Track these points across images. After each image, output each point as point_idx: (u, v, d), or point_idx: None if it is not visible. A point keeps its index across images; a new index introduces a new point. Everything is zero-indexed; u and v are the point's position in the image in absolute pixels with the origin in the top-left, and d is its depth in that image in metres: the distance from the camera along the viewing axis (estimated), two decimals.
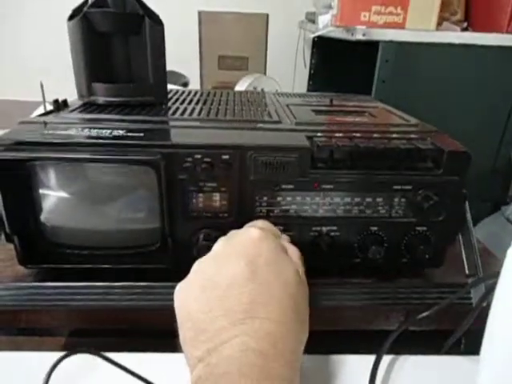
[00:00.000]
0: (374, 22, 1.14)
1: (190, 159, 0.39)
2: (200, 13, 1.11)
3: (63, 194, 0.43)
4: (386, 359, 0.40)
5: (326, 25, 1.45)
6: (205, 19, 1.10)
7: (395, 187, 0.42)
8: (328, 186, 0.42)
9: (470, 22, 1.31)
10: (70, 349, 0.36)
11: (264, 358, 0.27)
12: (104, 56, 0.51)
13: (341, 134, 0.44)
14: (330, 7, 1.49)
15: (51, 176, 0.42)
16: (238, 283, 0.30)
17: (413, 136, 0.45)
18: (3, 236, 0.42)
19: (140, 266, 0.44)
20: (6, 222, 0.40)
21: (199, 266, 0.34)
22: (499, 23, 1.24)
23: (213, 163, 0.40)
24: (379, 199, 0.43)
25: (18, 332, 0.46)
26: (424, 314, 0.40)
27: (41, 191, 0.42)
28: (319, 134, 0.44)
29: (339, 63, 1.77)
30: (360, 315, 0.45)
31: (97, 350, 0.36)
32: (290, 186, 0.41)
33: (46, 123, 0.43)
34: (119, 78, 0.53)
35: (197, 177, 0.40)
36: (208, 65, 1.16)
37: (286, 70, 1.68)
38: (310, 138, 0.43)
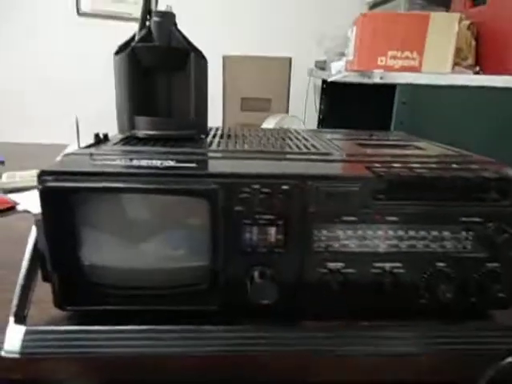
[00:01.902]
0: (391, 66, 1.17)
1: (247, 189, 0.37)
2: (224, 58, 1.14)
3: (108, 230, 0.40)
4: None
5: (338, 71, 1.50)
6: (229, 63, 1.13)
7: (462, 219, 0.39)
8: (392, 218, 0.39)
9: (481, 66, 1.34)
10: None
11: None
12: (147, 90, 0.51)
13: (399, 165, 0.42)
14: (342, 55, 1.54)
15: (97, 210, 0.39)
16: None
17: (473, 166, 0.43)
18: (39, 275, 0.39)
19: (187, 307, 0.40)
20: (48, 259, 0.37)
21: None
22: (508, 66, 1.27)
23: (271, 194, 0.37)
24: (446, 232, 0.40)
25: None
26: (510, 360, 0.36)
27: (84, 226, 0.39)
28: (377, 165, 0.42)
29: (348, 107, 1.80)
30: (423, 363, 0.41)
31: None
32: (352, 218, 0.39)
33: (92, 154, 0.41)
34: (161, 111, 0.52)
35: (253, 208, 0.38)
36: (231, 106, 1.17)
37: (301, 113, 1.72)
38: (368, 168, 0.41)
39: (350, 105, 1.79)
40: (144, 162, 0.40)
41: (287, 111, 1.20)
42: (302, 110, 1.72)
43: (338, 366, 0.40)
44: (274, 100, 1.19)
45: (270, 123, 1.04)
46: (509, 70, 1.26)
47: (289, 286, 0.39)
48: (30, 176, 0.85)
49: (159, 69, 0.50)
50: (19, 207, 0.74)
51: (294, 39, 1.62)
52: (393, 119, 1.18)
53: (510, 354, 0.37)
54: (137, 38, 0.48)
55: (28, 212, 0.71)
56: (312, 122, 1.89)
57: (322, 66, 1.83)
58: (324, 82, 1.83)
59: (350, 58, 1.28)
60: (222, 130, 0.65)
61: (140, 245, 0.41)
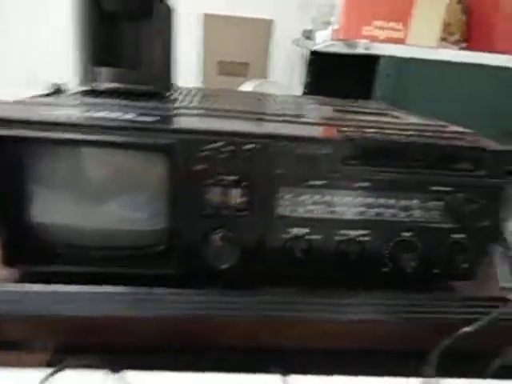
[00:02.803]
0: (376, 37, 1.13)
1: (209, 147, 0.35)
2: (205, 16, 1.08)
3: (57, 186, 0.37)
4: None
5: (324, 40, 1.45)
6: (209, 22, 1.07)
7: (433, 188, 0.38)
8: (362, 184, 0.37)
9: (468, 42, 1.32)
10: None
11: None
12: (109, 38, 0.47)
13: (372, 130, 0.40)
14: (328, 23, 1.49)
15: (48, 163, 0.36)
16: None
17: (448, 135, 0.42)
18: None
19: (143, 270, 0.39)
20: None
21: None
22: (499, 45, 1.26)
23: (236, 153, 0.35)
24: (415, 201, 0.39)
25: None
26: (466, 329, 0.36)
27: (32, 182, 0.36)
28: (350, 129, 0.40)
29: (333, 82, 1.77)
30: (389, 330, 0.40)
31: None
32: (320, 183, 0.37)
33: (45, 103, 0.38)
34: (124, 63, 0.48)
35: (216, 168, 0.35)
36: (208, 70, 1.12)
37: (286, 80, 1.67)
38: (340, 131, 0.39)
39: (335, 78, 1.75)
40: (101, 114, 0.37)
41: (266, 78, 1.16)
42: (287, 81, 1.67)
43: (292, 332, 0.39)
44: (253, 65, 1.14)
45: (247, 88, 1.00)
46: (495, 47, 1.24)
47: (250, 250, 0.38)
48: None
49: (123, 16, 0.46)
50: None
51: (279, 2, 1.55)
52: (374, 92, 1.16)
53: (465, 323, 0.37)
54: None
55: None
56: (296, 94, 1.85)
57: (308, 35, 1.77)
58: (312, 53, 1.78)
59: (336, 26, 1.23)
60: (195, 90, 0.62)
61: (94, 203, 0.38)
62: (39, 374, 0.34)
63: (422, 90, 1.19)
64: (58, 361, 0.42)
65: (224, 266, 0.37)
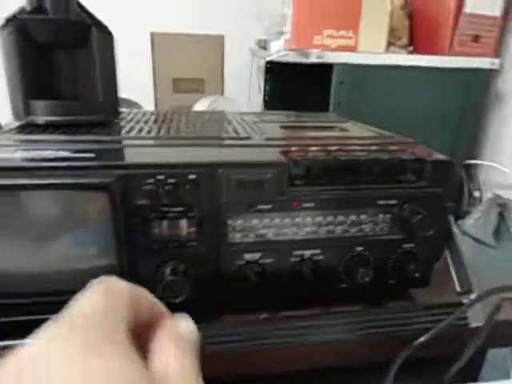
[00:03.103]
0: (328, 45, 1.16)
1: (150, 181, 0.34)
2: (152, 34, 1.07)
3: (2, 231, 0.35)
4: None
5: (278, 50, 1.47)
6: (158, 41, 1.06)
7: (380, 202, 0.39)
8: (309, 205, 0.38)
9: (414, 46, 1.38)
10: None
11: None
12: (44, 70, 0.45)
13: (317, 148, 0.41)
14: (281, 33, 1.51)
15: None
16: None
17: (392, 148, 0.43)
18: None
19: None
20: None
21: None
22: (441, 47, 1.31)
23: (178, 184, 0.34)
24: (363, 216, 0.39)
25: None
26: (421, 340, 0.37)
27: None
28: (294, 149, 0.40)
29: (292, 88, 1.79)
30: (351, 348, 0.41)
31: None
32: (267, 207, 0.37)
33: None
34: (63, 94, 0.46)
35: (159, 201, 0.34)
36: (162, 88, 1.11)
37: (241, 94, 1.67)
38: (284, 153, 0.39)
39: (293, 85, 1.77)
40: (34, 153, 0.35)
41: (222, 93, 1.16)
42: (245, 92, 1.67)
43: (258, 359, 0.39)
44: (208, 81, 1.14)
45: (202, 105, 0.99)
46: (440, 49, 1.30)
47: (204, 280, 0.37)
48: None
49: (57, 46, 0.45)
50: None
51: (229, 16, 1.55)
52: (331, 100, 1.18)
53: (426, 332, 0.38)
54: (27, 9, 0.42)
55: None
56: (256, 104, 1.86)
57: (263, 45, 1.79)
58: (268, 62, 1.80)
59: (288, 36, 1.25)
60: (143, 115, 0.61)
61: (37, 246, 0.37)
62: None
63: (375, 95, 1.22)
64: None
65: (179, 300, 0.36)
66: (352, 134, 0.50)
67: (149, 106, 1.23)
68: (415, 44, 1.40)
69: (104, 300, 0.20)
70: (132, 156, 0.37)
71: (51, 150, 0.36)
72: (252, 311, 0.40)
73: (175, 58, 1.10)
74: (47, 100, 0.45)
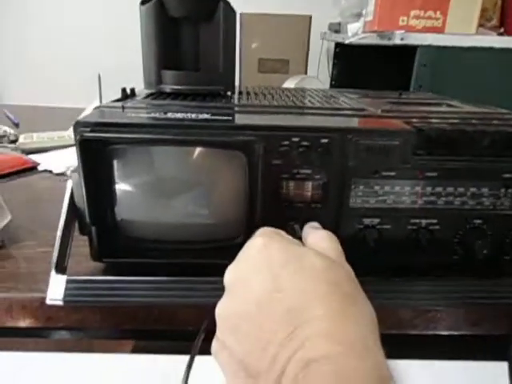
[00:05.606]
0: (413, 27, 1.12)
1: (286, 142, 0.36)
2: (242, 15, 1.10)
3: (141, 184, 0.40)
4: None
5: (355, 33, 1.44)
6: (247, 21, 1.09)
7: (504, 175, 0.39)
8: (431, 174, 0.38)
9: (505, 28, 1.29)
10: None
11: (334, 360, 0.22)
12: (174, 43, 0.49)
13: (438, 120, 0.41)
14: (359, 15, 1.48)
15: (134, 163, 0.39)
16: (265, 304, 0.26)
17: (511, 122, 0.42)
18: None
19: (221, 261, 0.41)
20: (86, 211, 0.37)
21: (219, 311, 0.29)
22: None
23: (310, 147, 0.36)
24: (484, 189, 0.39)
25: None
26: None
27: (121, 180, 0.39)
28: (415, 120, 0.41)
29: (360, 74, 1.75)
30: (462, 317, 0.41)
31: None
32: (391, 174, 0.38)
33: (123, 107, 0.41)
34: (187, 65, 0.50)
35: (292, 162, 0.37)
36: (248, 67, 1.14)
37: (322, 74, 1.66)
38: (408, 123, 0.40)
39: (362, 70, 1.73)
40: (179, 115, 0.39)
41: (306, 74, 1.16)
42: (316, 75, 1.66)
43: None
44: (292, 61, 1.15)
45: (290, 84, 1.01)
46: None
47: None
48: (47, 137, 0.85)
49: (187, 20, 0.48)
50: (40, 167, 0.73)
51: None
52: (412, 82, 1.15)
53: None
54: None
55: (49, 172, 0.71)
56: (325, 87, 1.83)
57: (336, 28, 1.76)
58: (337, 45, 1.77)
59: (369, 18, 1.22)
60: (246, 88, 0.64)
61: (175, 200, 0.41)
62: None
63: (461, 78, 1.17)
64: (141, 347, 0.45)
65: None
66: (463, 109, 0.50)
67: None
68: (506, 25, 1.31)
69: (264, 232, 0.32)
70: (264, 120, 0.40)
71: (192, 112, 0.39)
72: (364, 274, 0.42)
73: (262, 38, 1.12)
74: (175, 70, 0.49)
